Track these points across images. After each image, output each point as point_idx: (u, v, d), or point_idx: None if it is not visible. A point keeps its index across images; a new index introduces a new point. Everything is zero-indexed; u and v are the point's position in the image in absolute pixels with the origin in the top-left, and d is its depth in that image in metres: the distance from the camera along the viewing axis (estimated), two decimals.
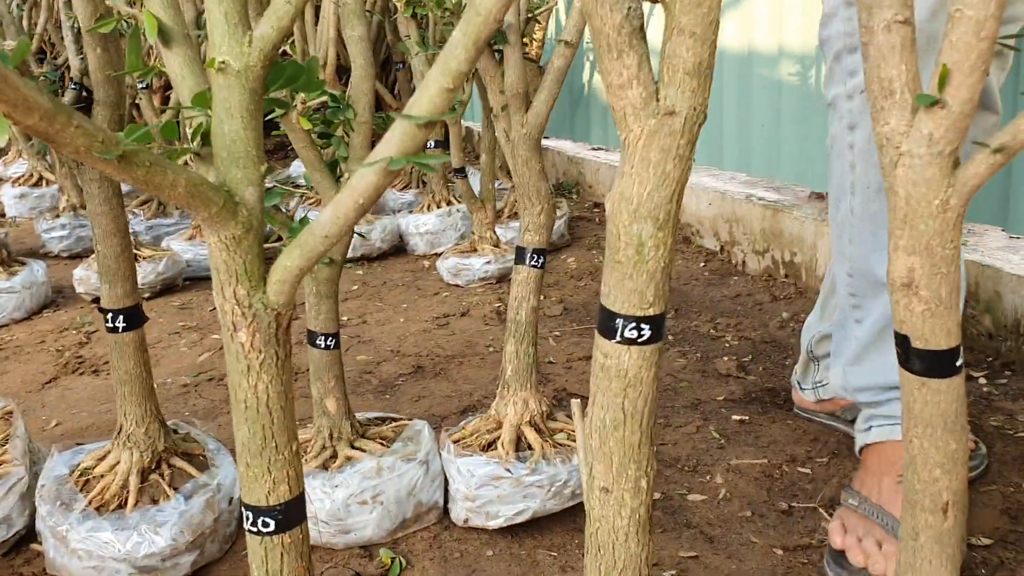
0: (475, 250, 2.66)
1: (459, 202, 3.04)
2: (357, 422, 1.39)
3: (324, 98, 1.17)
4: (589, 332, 2.20)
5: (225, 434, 1.73)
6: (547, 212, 1.38)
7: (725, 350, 2.03)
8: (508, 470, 1.31)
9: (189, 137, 0.64)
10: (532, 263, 1.38)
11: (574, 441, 1.36)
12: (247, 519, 0.69)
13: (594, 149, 3.74)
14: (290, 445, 0.67)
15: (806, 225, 2.38)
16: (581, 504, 1.44)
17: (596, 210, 3.43)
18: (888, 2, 0.66)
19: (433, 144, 3.01)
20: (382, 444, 1.37)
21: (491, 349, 2.11)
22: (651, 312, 0.72)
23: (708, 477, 1.49)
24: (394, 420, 1.45)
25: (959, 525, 0.77)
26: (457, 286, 2.62)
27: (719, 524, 1.35)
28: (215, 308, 2.40)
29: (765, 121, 2.70)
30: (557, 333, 2.20)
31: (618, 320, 0.73)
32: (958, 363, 0.73)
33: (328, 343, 1.32)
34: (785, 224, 2.45)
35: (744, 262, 2.63)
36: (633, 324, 0.72)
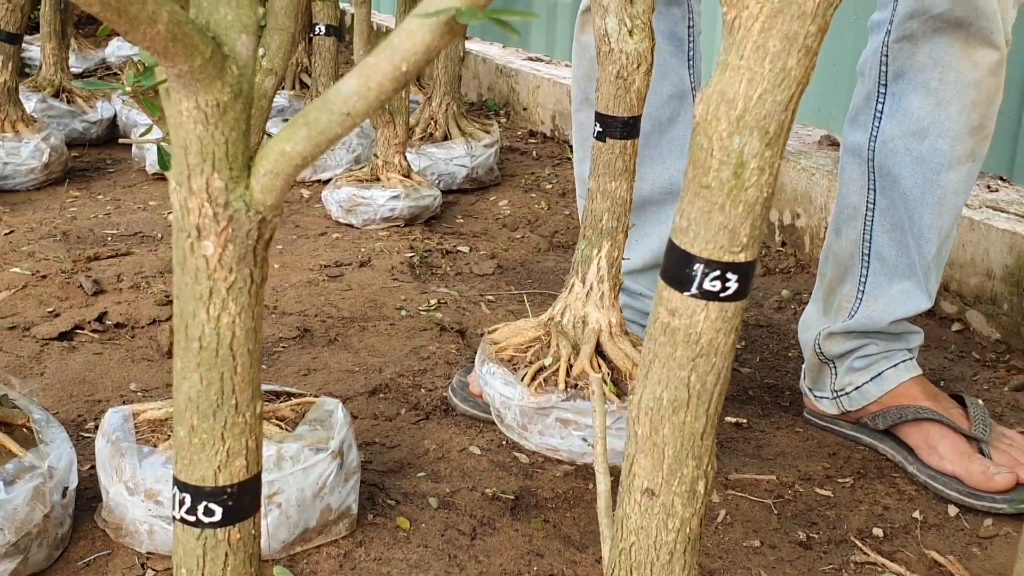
0: (377, 179, 2.62)
1: None
2: None
3: None
4: (532, 298, 2.20)
5: (48, 399, 1.66)
6: None
7: None
8: None
9: None
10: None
11: None
12: (180, 504, 0.65)
13: (532, 59, 3.74)
14: (253, 404, 0.64)
15: (816, 179, 2.43)
16: (538, 512, 1.45)
17: (532, 140, 3.44)
18: None
19: (323, 30, 2.96)
20: (280, 427, 1.34)
21: (403, 312, 2.09)
22: (743, 258, 0.72)
23: None
24: (293, 396, 1.43)
25: None
26: (351, 226, 2.59)
27: (721, 555, 1.38)
28: (12, 231, 2.32)
29: None
30: (490, 297, 2.20)
31: (697, 266, 0.72)
32: None
33: None
34: (787, 176, 2.50)
35: None
36: (717, 272, 0.72)
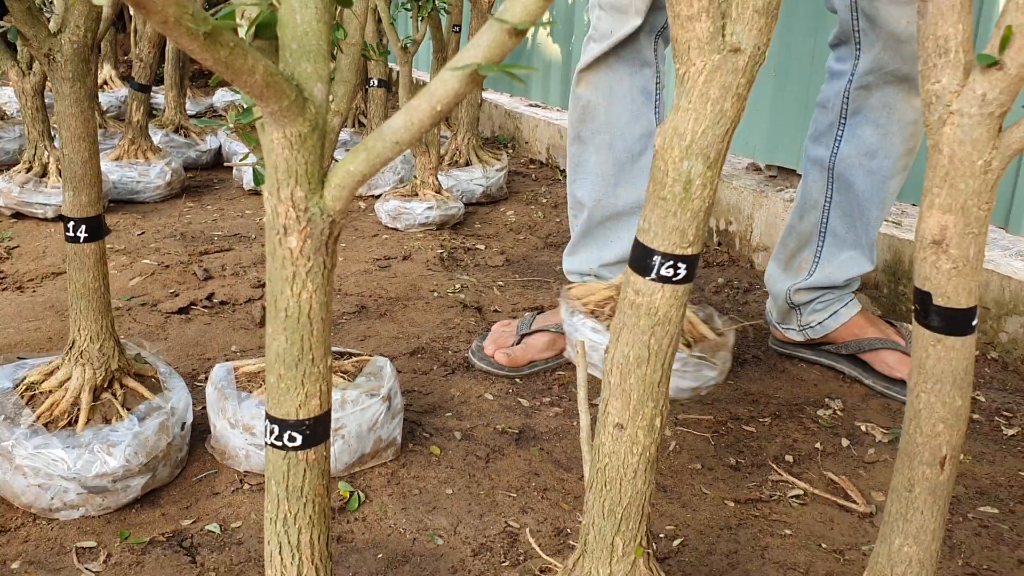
0: (416, 194, 2.61)
1: None
2: None
3: None
4: (531, 284, 2.20)
5: (169, 358, 1.66)
6: None
7: None
8: None
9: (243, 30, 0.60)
10: None
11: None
12: (271, 433, 0.66)
13: (532, 105, 3.72)
14: (325, 359, 0.65)
15: (744, 196, 2.42)
16: (536, 443, 1.45)
17: (532, 166, 3.41)
18: None
19: (376, 83, 2.94)
20: (343, 378, 1.34)
21: (435, 294, 2.08)
22: (689, 251, 0.72)
23: None
24: (354, 355, 1.43)
25: (951, 480, 0.80)
26: (396, 229, 2.58)
27: (672, 475, 1.38)
28: (143, 232, 2.30)
29: None
30: (501, 283, 2.19)
31: (655, 257, 0.72)
32: (974, 323, 0.75)
33: None
34: (723, 193, 2.49)
35: None
36: (671, 262, 0.72)
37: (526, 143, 3.58)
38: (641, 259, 0.73)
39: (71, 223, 1.17)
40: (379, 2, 2.54)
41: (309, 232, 0.59)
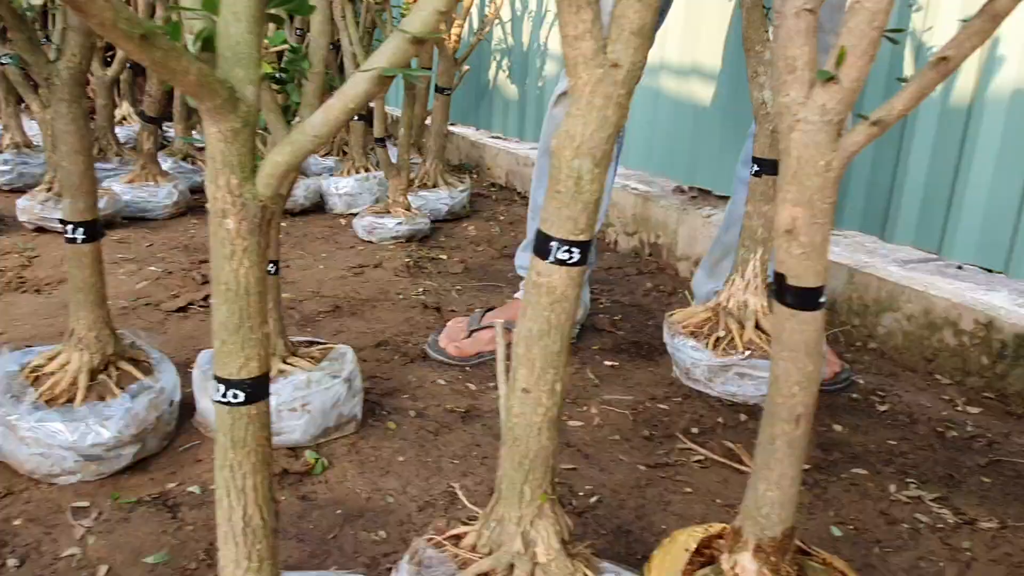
0: (388, 212, 2.61)
1: (375, 169, 2.99)
2: (290, 342, 1.35)
3: (285, 46, 1.12)
4: (486, 288, 2.20)
5: (167, 348, 1.65)
6: None
7: (600, 310, 2.06)
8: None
9: (190, 42, 0.61)
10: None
11: None
12: (217, 391, 0.66)
13: (494, 137, 3.73)
14: (262, 327, 0.65)
15: (670, 213, 2.44)
16: (479, 420, 1.45)
17: (493, 189, 3.42)
18: None
19: (357, 118, 2.94)
20: (311, 362, 1.33)
21: (401, 296, 2.08)
22: (582, 238, 0.73)
23: (585, 408, 1.52)
24: (321, 344, 1.42)
25: (806, 434, 0.81)
26: (370, 242, 2.58)
27: (594, 445, 1.38)
28: (151, 244, 2.28)
29: (642, 122, 2.75)
30: (459, 287, 2.19)
31: (553, 243, 0.73)
32: (821, 300, 0.76)
33: (269, 268, 1.28)
34: (653, 211, 2.51)
35: (616, 241, 2.68)
36: (566, 247, 0.73)
37: (488, 169, 3.59)
38: (542, 245, 0.74)
39: (70, 226, 1.16)
40: (358, 49, 2.55)
41: (244, 215, 0.60)
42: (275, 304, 1.30)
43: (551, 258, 0.73)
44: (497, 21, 3.60)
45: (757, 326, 1.44)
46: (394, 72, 0.54)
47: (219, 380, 0.65)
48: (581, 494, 1.23)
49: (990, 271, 1.80)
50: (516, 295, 1.89)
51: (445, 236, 2.72)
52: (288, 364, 1.30)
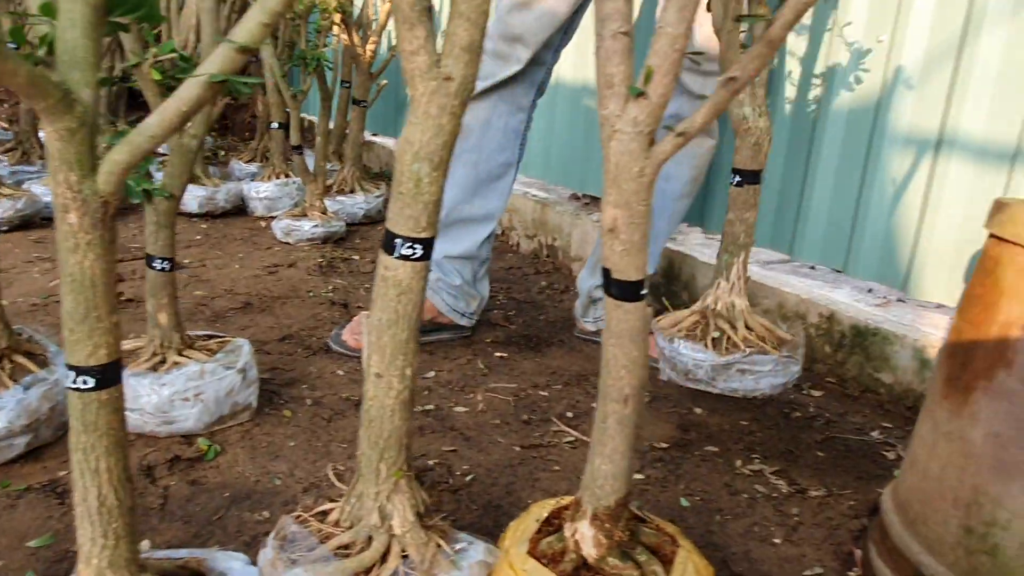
0: (305, 215, 2.58)
1: (296, 176, 2.94)
2: (187, 335, 1.32)
3: (174, 55, 1.10)
4: None
5: None
6: None
7: (496, 306, 2.08)
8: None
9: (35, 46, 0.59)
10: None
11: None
12: (68, 377, 0.64)
13: None
14: (110, 316, 0.64)
15: (565, 218, 2.48)
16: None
17: None
18: (615, 17, 0.71)
19: (277, 125, 2.89)
20: (207, 354, 1.31)
21: (311, 294, 2.06)
22: (423, 235, 0.74)
23: (472, 395, 1.53)
24: (219, 337, 1.40)
25: (635, 413, 0.84)
26: (288, 244, 2.54)
27: (475, 428, 1.40)
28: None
29: (542, 135, 2.79)
30: (367, 286, 2.18)
31: (397, 240, 0.74)
32: (643, 292, 0.79)
33: (164, 266, 1.25)
34: (550, 216, 2.55)
35: (518, 243, 2.71)
36: (409, 244, 0.74)
37: None
38: (388, 241, 0.75)
39: None
40: (273, 62, 2.51)
41: (85, 210, 0.59)
42: (170, 299, 1.27)
43: (396, 253, 0.74)
44: None
45: (745, 325, 1.45)
46: (220, 78, 0.54)
47: (70, 367, 0.64)
48: (458, 473, 1.24)
49: (839, 271, 1.88)
50: None
51: (360, 238, 2.70)
52: (183, 356, 1.28)
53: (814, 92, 1.88)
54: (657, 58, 0.69)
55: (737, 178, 1.44)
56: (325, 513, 0.88)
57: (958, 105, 1.57)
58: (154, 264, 1.24)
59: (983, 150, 1.54)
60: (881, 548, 1.03)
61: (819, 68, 1.86)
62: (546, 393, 1.56)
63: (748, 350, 1.33)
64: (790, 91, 1.93)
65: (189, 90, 0.55)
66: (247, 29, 0.54)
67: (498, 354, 1.75)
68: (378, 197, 2.92)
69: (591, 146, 2.56)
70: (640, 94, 0.70)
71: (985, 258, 0.93)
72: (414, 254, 0.74)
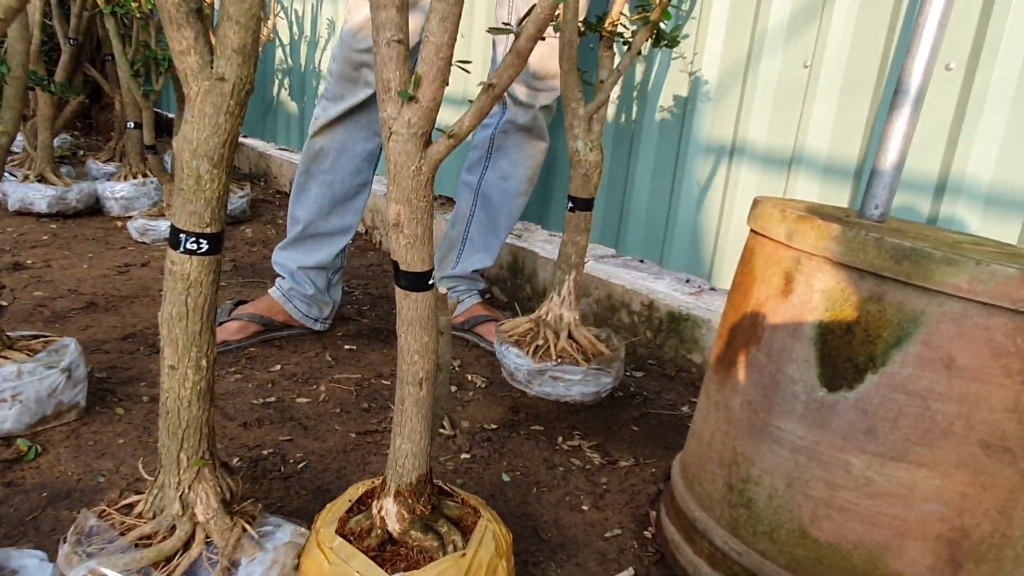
0: (163, 215, 2.47)
1: (153, 175, 2.80)
2: (7, 336, 1.24)
3: None
4: (251, 284, 2.13)
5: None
6: None
7: (352, 301, 2.07)
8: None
9: None
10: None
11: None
12: None
13: (280, 149, 3.62)
14: None
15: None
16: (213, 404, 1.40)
17: (278, 196, 3.32)
18: (389, 26, 0.72)
19: (133, 125, 2.75)
20: (28, 355, 1.23)
21: (161, 293, 1.97)
22: (209, 230, 0.73)
23: (315, 386, 1.52)
24: (44, 337, 1.32)
25: (430, 395, 0.86)
26: (143, 243, 2.42)
27: (315, 418, 1.39)
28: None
29: None
30: (223, 284, 2.11)
31: (182, 235, 0.73)
32: (430, 282, 0.81)
33: None
34: None
35: (380, 242, 2.69)
36: (193, 239, 0.73)
37: (275, 178, 3.48)
38: (174, 237, 0.74)
39: None
40: (122, 60, 2.38)
41: None
42: None
43: (181, 248, 0.73)
44: (277, 43, 3.50)
45: (570, 336, 1.49)
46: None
47: None
48: (291, 461, 1.23)
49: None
50: (270, 291, 1.85)
51: None
52: (1, 357, 1.20)
53: (634, 105, 1.98)
54: (424, 65, 0.71)
55: (570, 204, 1.51)
56: (131, 506, 0.86)
57: (746, 117, 1.69)
58: None
59: (767, 157, 1.67)
60: (669, 508, 1.10)
61: (636, 83, 1.95)
62: (389, 382, 1.57)
63: (559, 360, 1.41)
64: (612, 106, 2.01)
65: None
66: None
67: (347, 347, 1.74)
68: (241, 198, 2.83)
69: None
70: (411, 98, 0.72)
71: (744, 249, 1.01)
72: (199, 249, 0.73)
